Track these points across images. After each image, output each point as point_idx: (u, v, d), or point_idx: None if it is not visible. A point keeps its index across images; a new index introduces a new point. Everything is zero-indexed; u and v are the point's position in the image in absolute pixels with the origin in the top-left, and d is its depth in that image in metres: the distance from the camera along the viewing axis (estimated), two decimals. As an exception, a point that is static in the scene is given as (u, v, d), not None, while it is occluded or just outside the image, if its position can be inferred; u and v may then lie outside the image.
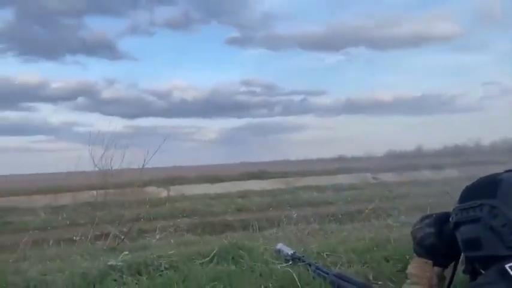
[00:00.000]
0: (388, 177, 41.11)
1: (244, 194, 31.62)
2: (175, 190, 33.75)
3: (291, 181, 38.38)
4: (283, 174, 40.37)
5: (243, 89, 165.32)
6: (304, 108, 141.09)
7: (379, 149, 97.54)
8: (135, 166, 11.63)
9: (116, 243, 8.51)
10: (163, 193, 32.50)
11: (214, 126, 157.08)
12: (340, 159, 77.60)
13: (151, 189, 30.90)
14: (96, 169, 11.34)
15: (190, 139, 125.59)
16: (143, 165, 10.15)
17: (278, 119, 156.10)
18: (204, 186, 34.65)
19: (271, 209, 24.92)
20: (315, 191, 32.27)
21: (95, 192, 14.17)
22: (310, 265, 4.25)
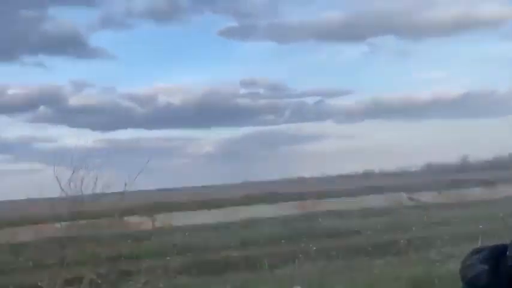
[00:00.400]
0: (428, 197, 40.76)
1: (249, 223, 31.29)
2: (163, 219, 33.10)
3: (307, 205, 37.83)
4: (297, 197, 40.11)
5: (244, 90, 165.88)
6: (320, 113, 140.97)
7: (415, 161, 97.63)
8: (112, 191, 11.68)
9: (93, 290, 8.72)
10: (148, 224, 32.26)
11: (209, 138, 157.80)
12: (367, 175, 77.56)
13: (134, 220, 30.67)
14: (64, 195, 11.70)
15: (181, 155, 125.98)
16: (123, 189, 10.24)
17: (288, 127, 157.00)
18: (199, 214, 34.34)
19: (283, 241, 24.70)
20: (337, 218, 32.22)
21: (62, 224, 14.18)
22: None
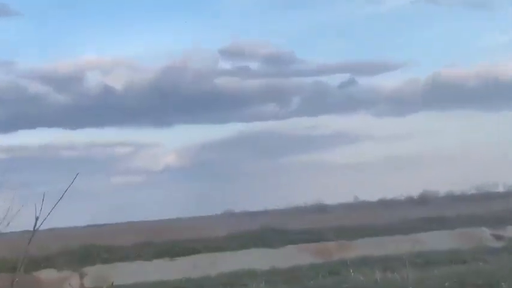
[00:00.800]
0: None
1: (235, 281, 28.17)
2: (97, 275, 33.21)
3: (329, 249, 36.24)
4: (313, 235, 37.28)
5: (227, 65, 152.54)
6: (349, 100, 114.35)
7: (502, 177, 78.87)
8: (15, 229, 11.72)
9: None
10: (74, 282, 32.19)
11: (171, 143, 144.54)
12: (425, 200, 64.57)
13: (50, 275, 30.83)
14: None
15: (126, 170, 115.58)
16: (33, 227, 8.92)
17: (298, 122, 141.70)
18: (156, 266, 33.49)
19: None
20: (378, 269, 29.44)
21: None
22: None
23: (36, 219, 9.55)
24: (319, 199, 74.87)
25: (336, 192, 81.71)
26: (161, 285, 32.00)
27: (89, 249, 36.32)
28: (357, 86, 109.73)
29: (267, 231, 38.65)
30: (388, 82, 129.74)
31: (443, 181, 72.34)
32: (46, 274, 29.38)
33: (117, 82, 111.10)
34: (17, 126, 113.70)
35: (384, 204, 64.03)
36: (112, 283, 30.52)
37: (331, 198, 75.77)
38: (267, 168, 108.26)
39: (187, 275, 32.86)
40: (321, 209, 67.00)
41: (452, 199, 64.11)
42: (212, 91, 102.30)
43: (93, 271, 34.20)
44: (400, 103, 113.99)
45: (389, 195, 69.38)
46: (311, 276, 30.62)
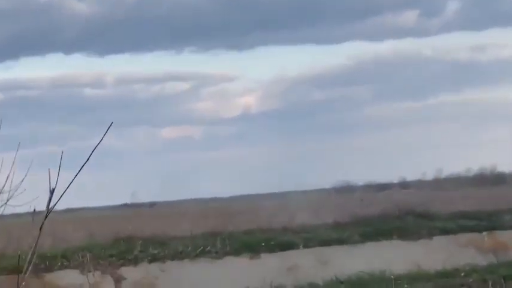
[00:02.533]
0: None
1: None
2: (140, 278, 26.20)
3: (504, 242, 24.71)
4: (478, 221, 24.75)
5: None
6: None
7: None
8: (18, 210, 11.71)
9: None
10: None
11: (253, 73, 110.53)
12: None
13: (71, 279, 25.20)
14: None
15: (183, 117, 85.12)
16: (47, 207, 6.22)
17: (452, 39, 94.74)
18: (231, 264, 25.39)
19: None
20: None
21: None
22: None
23: (51, 193, 5.89)
24: (483, 166, 51.63)
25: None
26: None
27: (129, 242, 26.39)
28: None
29: (406, 216, 27.07)
30: None
31: None
32: (65, 277, 23.54)
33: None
34: (17, 51, 77.38)
35: None
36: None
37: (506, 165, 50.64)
38: (403, 114, 75.30)
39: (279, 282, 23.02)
40: (492, 179, 47.03)
41: None
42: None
43: (135, 274, 24.30)
44: None
45: None
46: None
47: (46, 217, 6.72)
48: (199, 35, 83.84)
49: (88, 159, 6.32)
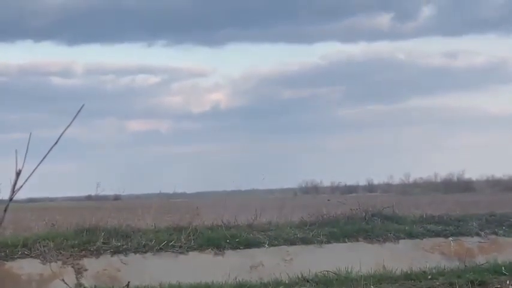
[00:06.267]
0: None
1: None
2: (101, 270, 21.89)
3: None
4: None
5: None
6: None
7: None
8: None
9: None
10: (66, 278, 20.44)
11: (223, 69, 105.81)
12: None
13: (31, 268, 20.96)
14: None
15: (151, 110, 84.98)
16: (12, 191, 6.84)
17: (426, 43, 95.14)
18: (198, 260, 22.58)
19: None
20: None
21: None
22: None
23: (18, 175, 6.43)
24: (451, 172, 52.86)
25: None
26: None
27: (91, 233, 24.80)
28: None
29: (372, 219, 26.30)
30: None
31: None
32: (25, 265, 21.09)
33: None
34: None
35: None
36: (128, 284, 19.87)
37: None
38: (373, 117, 78.23)
39: (243, 279, 21.01)
40: (459, 185, 48.43)
41: None
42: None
43: (97, 265, 22.57)
44: None
45: None
46: None
47: (11, 199, 6.86)
48: (171, 28, 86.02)
49: (57, 142, 6.33)
